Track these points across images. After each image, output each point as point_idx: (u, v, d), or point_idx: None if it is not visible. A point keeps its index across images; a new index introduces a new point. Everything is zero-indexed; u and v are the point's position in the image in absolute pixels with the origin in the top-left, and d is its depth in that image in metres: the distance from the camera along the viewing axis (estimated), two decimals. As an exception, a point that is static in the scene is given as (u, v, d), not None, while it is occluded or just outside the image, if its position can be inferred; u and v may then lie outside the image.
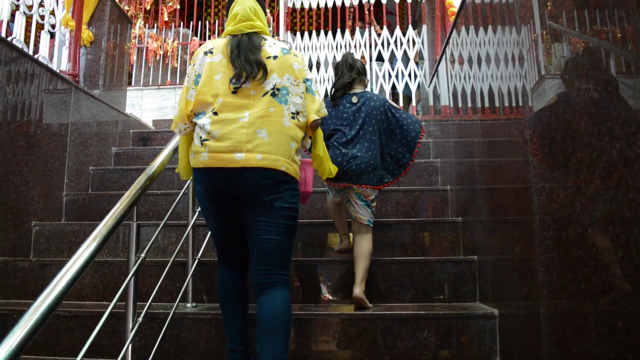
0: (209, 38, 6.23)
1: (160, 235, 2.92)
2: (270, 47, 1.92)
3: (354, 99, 2.61)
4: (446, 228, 2.88)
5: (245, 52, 1.86)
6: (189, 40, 6.32)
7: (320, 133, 2.11)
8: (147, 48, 6.31)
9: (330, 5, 6.45)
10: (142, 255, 1.90)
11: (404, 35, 6.22)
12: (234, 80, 1.84)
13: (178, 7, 6.37)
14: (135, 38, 6.38)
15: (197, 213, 2.49)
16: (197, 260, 2.50)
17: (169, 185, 3.63)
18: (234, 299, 2.00)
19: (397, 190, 3.30)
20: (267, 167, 1.77)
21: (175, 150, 2.27)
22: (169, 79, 6.28)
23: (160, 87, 6.19)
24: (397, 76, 6.16)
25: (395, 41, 6.23)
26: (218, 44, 1.96)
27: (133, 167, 3.87)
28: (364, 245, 2.48)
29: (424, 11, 4.70)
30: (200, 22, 6.33)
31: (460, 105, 2.85)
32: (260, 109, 1.81)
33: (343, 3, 6.52)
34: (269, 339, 1.75)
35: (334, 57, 6.24)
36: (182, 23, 6.41)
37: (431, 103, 4.87)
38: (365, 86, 2.75)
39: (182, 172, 2.07)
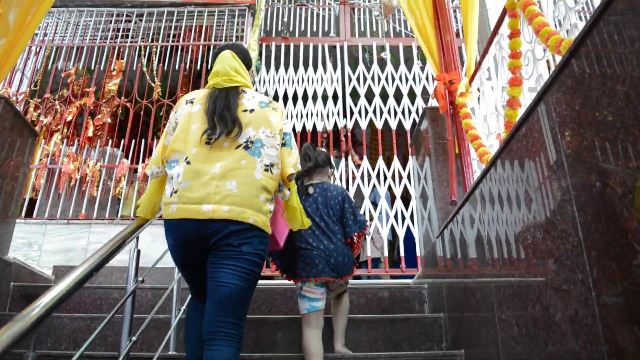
0: (144, 162, 4.80)
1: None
2: (249, 100, 2.00)
3: (310, 190, 2.68)
4: None
5: (222, 108, 1.92)
6: (117, 163, 4.87)
7: (294, 186, 2.15)
8: (60, 170, 4.80)
9: (298, 129, 5.37)
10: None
11: (389, 167, 5.19)
12: (208, 132, 1.88)
13: (108, 120, 4.99)
14: (48, 157, 4.89)
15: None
16: (180, 311, 2.52)
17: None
18: (198, 329, 1.94)
19: None
20: (233, 219, 1.78)
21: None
22: (83, 211, 4.71)
23: (71, 221, 4.58)
24: (379, 218, 4.98)
25: (378, 175, 5.17)
26: (199, 94, 2.04)
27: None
28: (342, 300, 2.67)
29: (425, 137, 3.60)
30: (135, 140, 4.92)
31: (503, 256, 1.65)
32: (232, 160, 1.85)
33: (314, 127, 5.47)
34: None
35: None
36: (110, 141, 4.99)
37: (440, 253, 3.58)
38: (329, 177, 2.84)
39: (141, 208, 2.10)
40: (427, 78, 5.66)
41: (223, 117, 1.89)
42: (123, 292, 2.83)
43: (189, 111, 1.96)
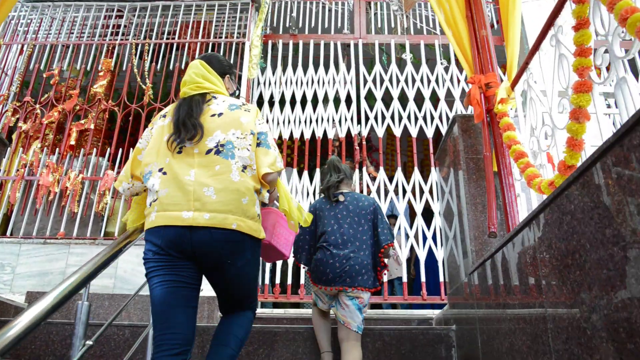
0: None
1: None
2: (218, 104, 1.98)
3: (341, 198, 2.73)
4: None
5: (184, 115, 1.91)
6: (102, 175, 4.33)
7: (282, 186, 2.11)
8: (38, 182, 4.27)
9: (307, 136, 4.79)
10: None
11: (408, 181, 4.58)
12: (178, 141, 1.87)
13: (92, 126, 4.45)
14: (25, 167, 4.37)
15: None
16: None
17: None
18: None
19: None
20: (215, 226, 1.74)
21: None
22: (63, 229, 4.17)
23: (48, 241, 4.05)
24: (397, 234, 4.38)
25: (397, 189, 4.57)
26: (170, 107, 2.05)
27: None
28: (353, 354, 2.39)
29: (455, 150, 3.00)
30: (121, 149, 4.37)
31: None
32: (206, 166, 1.82)
33: (325, 134, 4.88)
34: (219, 349, 1.85)
35: (310, 203, 4.45)
36: (95, 150, 4.45)
37: (474, 290, 2.99)
38: (353, 189, 2.90)
39: (129, 221, 2.07)
40: (451, 79, 5.04)
41: (185, 123, 1.89)
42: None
43: (162, 124, 1.98)
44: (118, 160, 4.31)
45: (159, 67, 4.79)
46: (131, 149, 4.53)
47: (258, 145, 1.94)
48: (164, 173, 1.83)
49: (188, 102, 1.97)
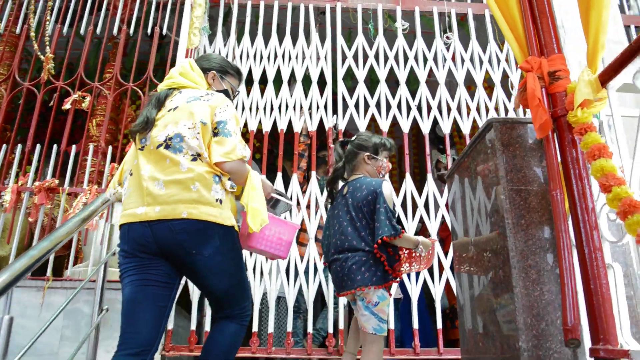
0: (19, 179, 3.05)
1: None
2: (178, 99, 1.94)
3: (345, 190, 2.49)
4: None
5: (145, 111, 1.91)
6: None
7: (251, 179, 1.92)
8: None
9: (266, 128, 3.64)
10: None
11: (397, 191, 3.51)
12: (136, 137, 1.89)
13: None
14: None
15: None
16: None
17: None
18: None
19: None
20: (164, 218, 1.74)
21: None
22: None
23: None
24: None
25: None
26: None
27: None
28: (367, 357, 2.23)
29: (490, 173, 1.97)
30: (7, 145, 3.14)
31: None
32: (157, 162, 1.82)
33: (290, 126, 3.73)
34: None
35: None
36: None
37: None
38: (364, 172, 2.51)
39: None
40: (453, 58, 3.95)
41: (145, 120, 1.88)
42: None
43: None
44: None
45: (65, 30, 3.52)
46: (19, 145, 3.40)
47: (216, 134, 1.85)
48: (131, 174, 1.88)
49: (153, 98, 1.96)
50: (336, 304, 3.31)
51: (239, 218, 2.02)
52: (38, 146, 3.15)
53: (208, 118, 1.85)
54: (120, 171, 2.01)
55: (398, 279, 2.38)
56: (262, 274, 3.32)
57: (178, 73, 2.03)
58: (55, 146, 3.18)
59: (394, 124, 3.78)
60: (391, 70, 3.87)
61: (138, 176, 1.83)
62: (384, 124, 3.70)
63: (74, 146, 3.22)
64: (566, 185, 1.62)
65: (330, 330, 3.21)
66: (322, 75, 3.85)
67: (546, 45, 1.80)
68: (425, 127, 3.70)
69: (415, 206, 3.48)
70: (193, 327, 3.14)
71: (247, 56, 3.86)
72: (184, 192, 1.76)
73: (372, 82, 4.12)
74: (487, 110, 3.72)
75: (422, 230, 3.68)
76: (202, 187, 1.78)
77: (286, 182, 3.54)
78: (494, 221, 1.88)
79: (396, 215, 2.40)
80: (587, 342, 1.50)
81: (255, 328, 3.19)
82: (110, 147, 3.20)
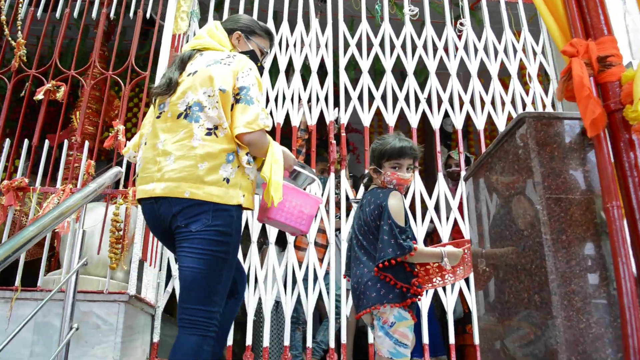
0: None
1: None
2: (198, 62, 1.84)
3: (363, 200, 2.27)
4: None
5: (168, 72, 1.85)
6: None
7: (272, 149, 1.77)
8: None
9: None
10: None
11: (406, 193, 3.22)
12: (160, 105, 1.83)
13: None
14: None
15: None
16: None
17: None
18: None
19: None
20: (167, 195, 1.68)
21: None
22: None
23: None
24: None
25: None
26: None
27: None
28: None
29: (522, 178, 1.67)
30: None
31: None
32: (174, 132, 1.74)
33: (288, 121, 3.42)
34: None
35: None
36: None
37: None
38: (382, 183, 2.18)
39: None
40: (465, 47, 3.63)
41: (165, 80, 1.82)
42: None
43: None
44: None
45: (39, 13, 3.20)
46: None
47: (237, 101, 1.74)
48: (145, 143, 1.82)
49: (177, 58, 1.88)
50: (338, 314, 3.03)
51: (258, 191, 1.94)
52: (8, 140, 2.85)
53: (229, 84, 1.75)
54: (140, 135, 1.93)
55: (419, 297, 2.12)
56: (256, 280, 3.03)
57: (206, 32, 1.94)
58: (26, 141, 2.88)
59: (401, 117, 3.47)
60: (398, 59, 3.56)
61: (153, 148, 1.76)
62: (391, 119, 3.40)
63: (46, 140, 2.90)
64: (622, 197, 1.32)
65: (332, 344, 2.92)
66: (322, 65, 3.54)
67: (593, 26, 1.49)
68: (436, 122, 3.41)
69: (424, 208, 3.19)
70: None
71: (241, 44, 3.54)
72: (190, 170, 1.69)
73: (376, 72, 3.81)
74: (503, 103, 3.42)
75: (434, 230, 3.39)
76: (210, 166, 1.70)
77: (283, 182, 3.24)
78: (527, 235, 1.58)
79: (408, 229, 2.08)
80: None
81: (249, 341, 2.91)
82: (87, 142, 2.90)
